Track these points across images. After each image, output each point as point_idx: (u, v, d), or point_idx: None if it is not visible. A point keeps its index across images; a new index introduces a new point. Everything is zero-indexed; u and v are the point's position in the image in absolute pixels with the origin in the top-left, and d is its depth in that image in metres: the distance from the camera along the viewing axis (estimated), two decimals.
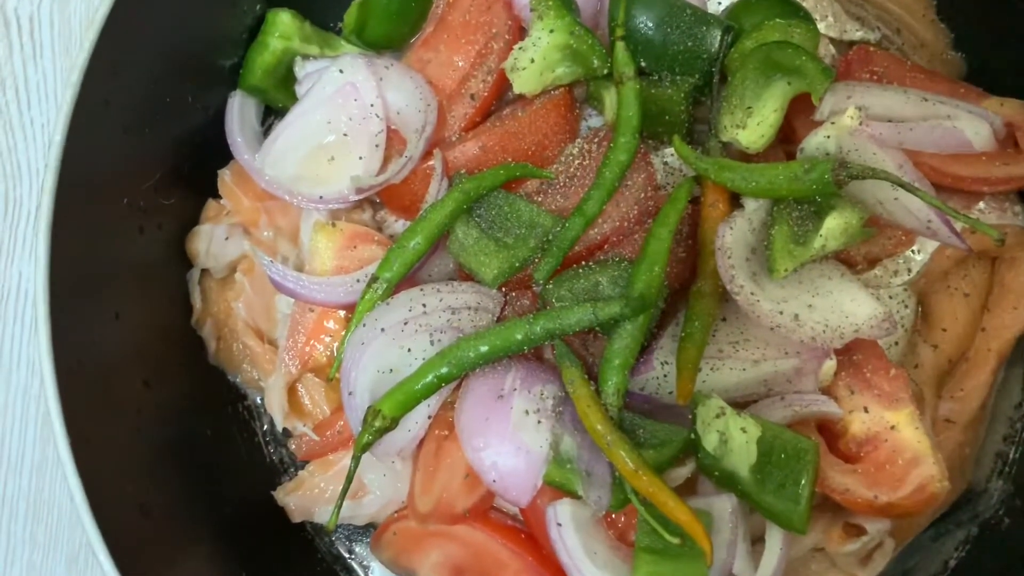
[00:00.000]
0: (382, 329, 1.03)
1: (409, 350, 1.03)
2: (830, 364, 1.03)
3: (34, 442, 1.30)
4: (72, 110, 0.88)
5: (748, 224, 1.04)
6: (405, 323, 1.03)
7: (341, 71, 1.10)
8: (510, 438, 0.99)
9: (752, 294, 1.00)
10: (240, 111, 1.16)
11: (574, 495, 0.98)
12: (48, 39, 1.39)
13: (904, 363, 1.11)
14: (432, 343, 1.04)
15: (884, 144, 1.03)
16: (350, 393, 1.01)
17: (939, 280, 1.13)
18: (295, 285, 1.06)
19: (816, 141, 1.04)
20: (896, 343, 1.12)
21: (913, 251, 1.10)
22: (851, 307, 1.02)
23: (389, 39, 1.19)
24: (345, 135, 1.10)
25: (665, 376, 1.02)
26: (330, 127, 1.10)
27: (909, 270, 1.10)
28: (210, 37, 1.12)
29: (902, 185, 0.96)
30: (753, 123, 1.06)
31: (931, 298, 1.13)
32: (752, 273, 1.02)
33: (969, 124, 1.05)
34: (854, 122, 1.02)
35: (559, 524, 0.98)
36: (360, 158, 1.10)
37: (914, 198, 0.98)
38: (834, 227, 1.00)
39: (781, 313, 1.00)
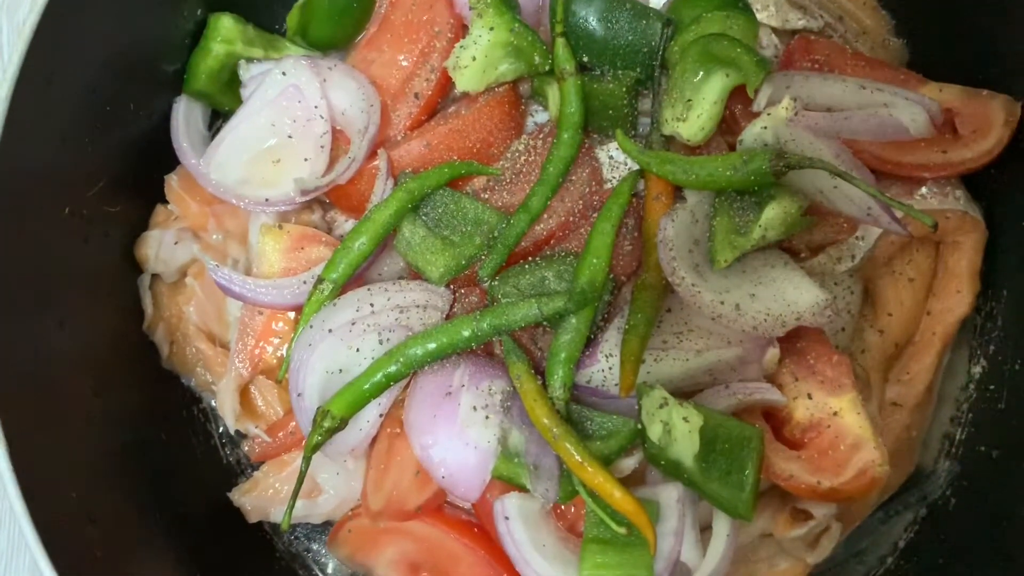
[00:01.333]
0: (330, 330, 1.03)
1: (358, 350, 1.04)
2: (773, 352, 1.05)
3: None
4: (4, 122, 0.87)
5: (690, 216, 1.05)
6: (353, 323, 1.04)
7: (284, 73, 1.11)
8: (458, 434, 1.00)
9: (693, 285, 1.01)
10: (185, 116, 1.16)
11: (523, 489, 1.00)
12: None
13: (851, 348, 1.12)
14: (381, 342, 1.05)
15: (821, 133, 1.04)
16: (299, 395, 1.02)
17: (884, 266, 1.14)
18: (241, 288, 1.07)
19: (754, 132, 1.05)
20: (843, 329, 1.13)
21: (856, 238, 1.11)
22: (793, 295, 1.03)
23: (333, 39, 1.19)
24: (290, 137, 1.10)
25: (611, 368, 1.03)
26: (274, 129, 1.11)
27: (853, 256, 1.11)
28: (151, 43, 1.12)
29: (838, 174, 0.98)
30: (693, 116, 1.07)
31: (877, 284, 1.14)
32: (695, 264, 1.03)
33: (906, 111, 1.06)
34: (789, 112, 1.03)
35: (506, 518, 0.99)
36: (305, 160, 1.11)
37: (852, 189, 1.00)
38: (773, 217, 1.01)
39: (723, 303, 1.01)
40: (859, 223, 1.08)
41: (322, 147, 1.11)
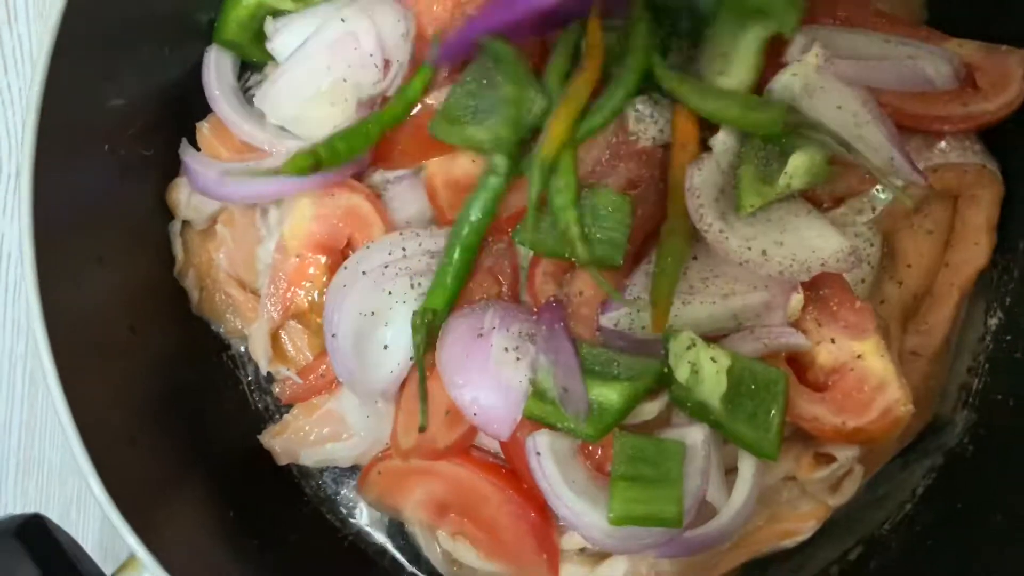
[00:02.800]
0: (363, 272, 1.05)
1: (390, 293, 1.05)
2: (797, 298, 1.06)
3: (22, 401, 1.32)
4: (50, 57, 0.89)
5: (716, 166, 1.07)
6: (386, 266, 1.06)
7: (343, 20, 1.12)
8: (490, 374, 1.02)
9: (721, 231, 1.03)
10: (216, 65, 1.17)
11: (553, 427, 1.01)
12: (23, 3, 1.40)
13: (871, 299, 1.14)
14: (412, 286, 1.06)
15: (849, 81, 1.06)
16: (333, 335, 1.04)
17: (903, 218, 1.16)
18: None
19: (783, 80, 1.07)
20: (863, 280, 1.14)
21: (877, 190, 1.13)
22: (818, 242, 1.05)
23: None
24: (344, 80, 1.11)
25: (638, 311, 1.05)
26: (330, 72, 1.11)
27: (873, 208, 1.13)
28: None
29: (845, 146, 1.02)
30: (733, 69, 1.08)
31: (895, 236, 1.16)
32: (721, 212, 1.05)
33: (931, 63, 1.08)
34: (819, 60, 1.05)
35: (538, 453, 1.01)
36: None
37: (876, 137, 1.02)
38: (799, 165, 1.03)
39: (749, 249, 1.03)
40: (880, 172, 1.11)
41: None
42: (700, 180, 1.05)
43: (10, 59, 1.39)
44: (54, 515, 1.16)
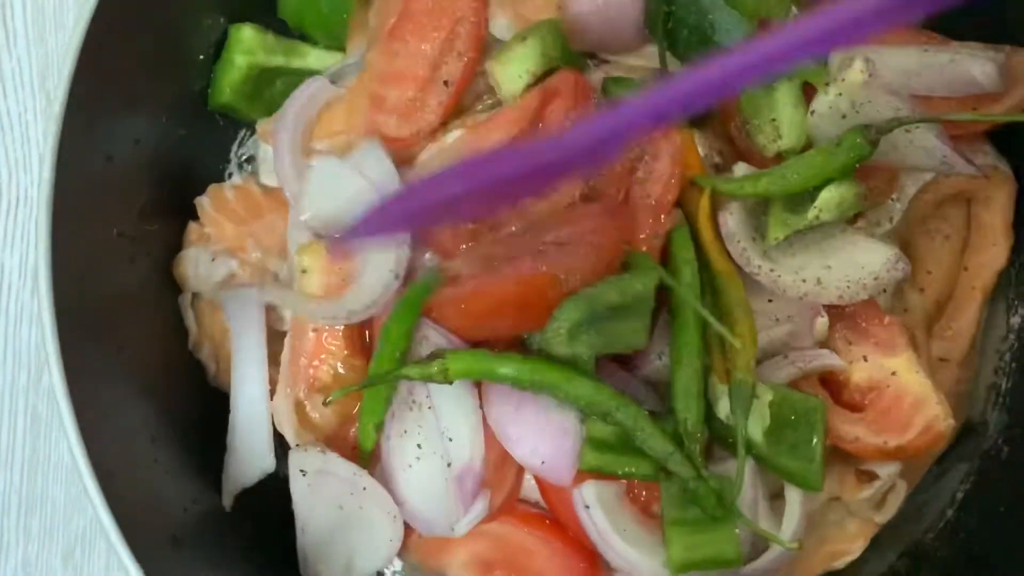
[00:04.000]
0: None
1: None
2: (822, 322, 1.06)
3: (23, 437, 1.28)
4: (58, 141, 0.86)
5: (745, 205, 1.06)
6: None
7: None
8: (545, 419, 0.99)
9: (772, 271, 1.03)
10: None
11: (613, 476, 1.00)
12: (21, 26, 1.34)
13: (895, 309, 1.14)
14: None
15: (895, 91, 1.04)
16: None
17: (919, 225, 1.16)
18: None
19: (827, 101, 1.05)
20: (884, 290, 1.14)
21: (892, 199, 1.13)
22: (864, 257, 1.04)
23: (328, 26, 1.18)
24: None
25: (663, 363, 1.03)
26: None
27: (891, 219, 1.13)
28: (177, 61, 1.11)
29: (932, 120, 1.01)
30: (784, 129, 1.07)
31: (913, 243, 1.16)
32: (763, 252, 1.04)
33: (974, 64, 1.07)
34: (864, 75, 1.03)
35: (587, 506, 0.99)
36: None
37: (928, 138, 1.01)
38: (828, 199, 1.01)
39: (804, 281, 1.02)
40: (898, 183, 1.11)
41: None
42: (735, 224, 1.04)
43: (9, 83, 1.34)
44: (57, 555, 1.14)
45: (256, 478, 1.07)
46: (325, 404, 1.05)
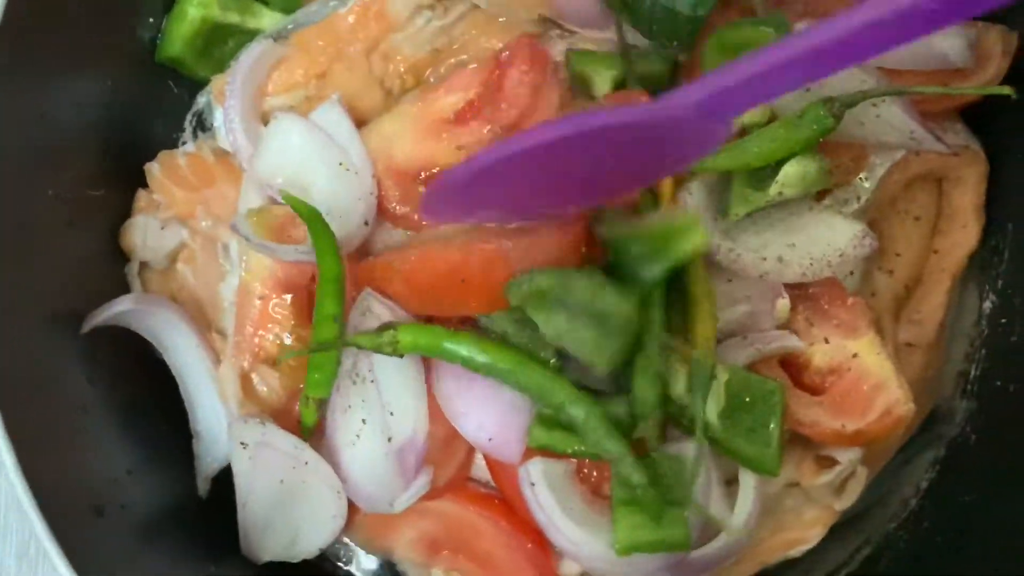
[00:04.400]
0: None
1: None
2: (783, 303, 1.03)
3: None
4: None
5: (704, 183, 1.03)
6: None
7: None
8: (494, 395, 0.97)
9: (731, 250, 1.00)
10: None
11: (563, 455, 0.97)
12: None
13: (862, 292, 1.11)
14: None
15: (862, 64, 1.01)
16: None
17: (888, 206, 1.13)
18: None
19: None
20: (851, 272, 1.11)
21: (861, 178, 1.10)
22: (829, 235, 1.02)
23: None
24: None
25: None
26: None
27: (859, 197, 1.09)
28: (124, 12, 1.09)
29: (898, 92, 0.99)
30: None
31: (882, 225, 1.13)
32: (724, 230, 1.01)
33: (943, 39, 1.05)
34: None
35: (532, 484, 0.96)
36: None
37: (895, 113, 0.99)
38: (791, 174, 0.98)
39: (764, 259, 1.00)
40: (867, 162, 1.07)
41: None
42: (694, 201, 1.01)
43: None
44: (11, 553, 1.11)
45: (226, 460, 1.05)
46: (276, 364, 1.03)
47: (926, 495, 1.12)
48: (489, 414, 0.97)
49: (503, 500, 1.04)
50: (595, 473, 1.01)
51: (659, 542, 0.93)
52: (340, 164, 1.04)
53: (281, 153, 1.05)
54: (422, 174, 1.06)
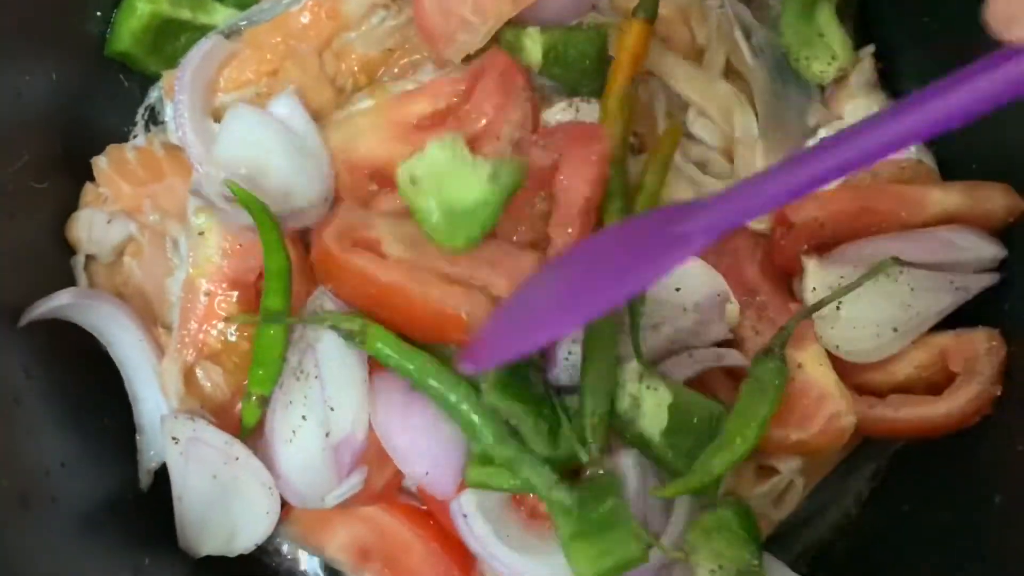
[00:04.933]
0: None
1: None
2: (732, 308, 1.03)
3: None
4: None
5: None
6: None
7: None
8: (433, 430, 0.97)
9: None
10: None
11: (500, 490, 0.97)
12: None
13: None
14: None
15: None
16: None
17: None
18: None
19: None
20: None
21: None
22: None
23: None
24: None
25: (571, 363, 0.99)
26: None
27: None
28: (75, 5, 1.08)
29: None
30: (838, 47, 1.12)
31: None
32: None
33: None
34: None
35: (464, 515, 0.96)
36: None
37: None
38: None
39: None
40: None
41: None
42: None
43: None
44: None
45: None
46: (231, 321, 1.03)
47: (866, 505, 1.13)
48: (428, 447, 0.97)
49: (437, 520, 1.04)
50: (530, 496, 1.00)
51: (619, 564, 0.92)
52: (298, 149, 1.05)
53: (239, 143, 1.05)
54: (375, 172, 1.06)
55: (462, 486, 0.97)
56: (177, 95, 1.07)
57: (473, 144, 1.01)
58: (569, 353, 0.98)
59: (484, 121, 1.03)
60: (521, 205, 1.00)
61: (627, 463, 0.97)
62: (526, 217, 1.02)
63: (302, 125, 1.07)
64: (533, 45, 1.06)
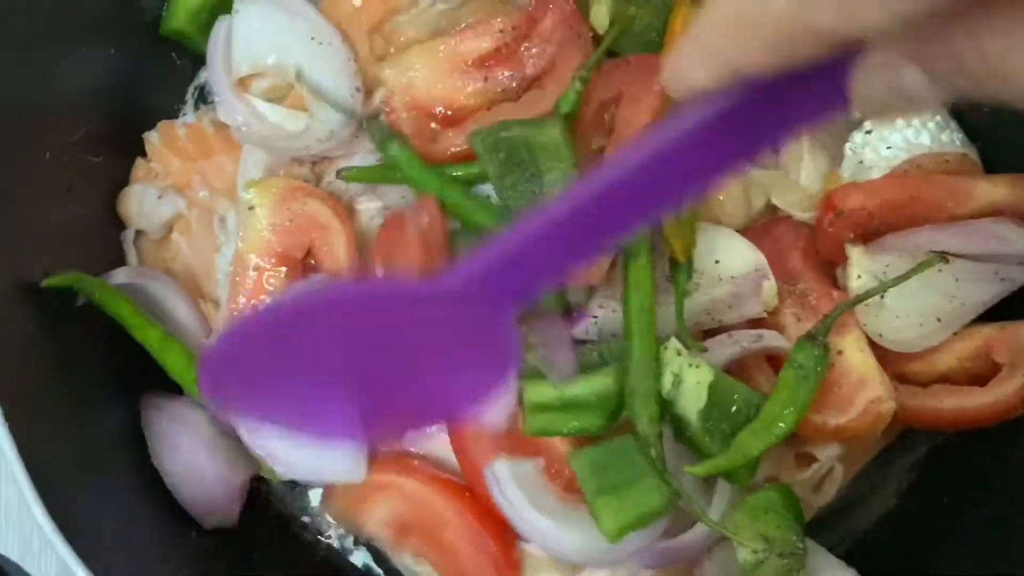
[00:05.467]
0: None
1: None
2: (769, 284, 1.03)
3: None
4: None
5: None
6: None
7: None
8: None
9: None
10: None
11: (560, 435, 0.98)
12: None
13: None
14: None
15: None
16: None
17: None
18: None
19: None
20: None
21: None
22: None
23: None
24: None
25: (608, 313, 1.01)
26: None
27: None
28: None
29: None
30: None
31: None
32: None
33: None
34: None
35: (499, 482, 0.97)
36: None
37: None
38: None
39: None
40: None
41: None
42: None
43: None
44: (14, 552, 1.13)
45: None
46: None
47: (906, 496, 1.13)
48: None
49: (474, 495, 1.04)
50: (567, 471, 1.01)
51: (643, 517, 0.94)
52: (312, 39, 1.07)
53: (250, 43, 1.08)
54: (438, 111, 1.08)
55: (479, 456, 0.98)
56: (215, 67, 1.10)
57: (532, 83, 1.04)
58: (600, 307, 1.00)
59: (543, 62, 1.05)
60: (579, 142, 1.01)
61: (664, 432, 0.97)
62: (584, 151, 1.02)
63: (301, 7, 1.10)
64: (600, 8, 1.06)
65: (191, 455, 1.03)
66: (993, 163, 1.11)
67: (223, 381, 0.63)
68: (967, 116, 1.12)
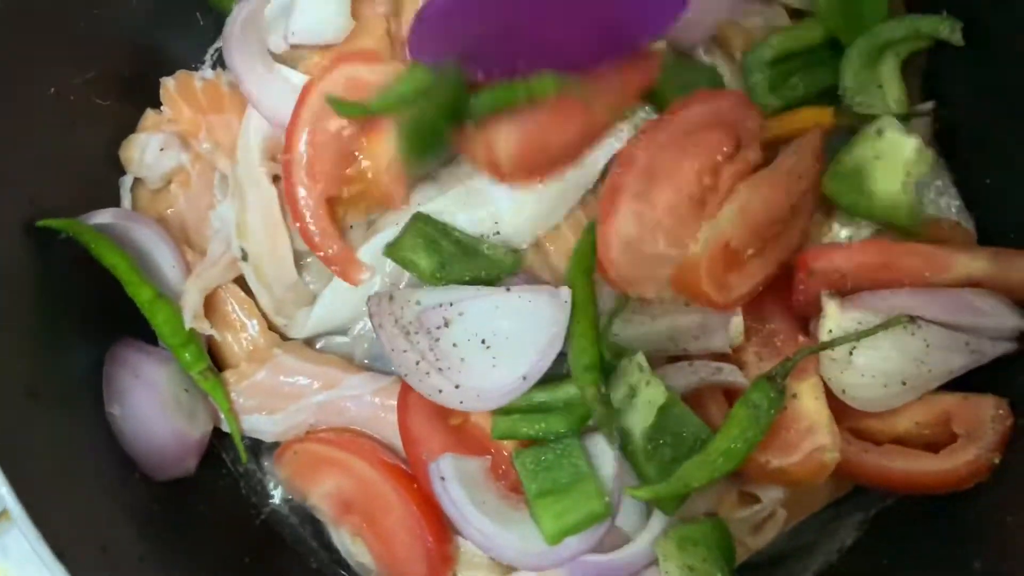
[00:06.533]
0: None
1: None
2: (737, 321, 1.03)
3: None
4: None
5: None
6: None
7: None
8: None
9: None
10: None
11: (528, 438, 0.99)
12: None
13: None
14: None
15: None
16: None
17: None
18: None
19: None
20: None
21: None
22: None
23: None
24: None
25: None
26: None
27: None
28: None
29: None
30: (892, 100, 1.11)
31: None
32: None
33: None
34: None
35: (442, 478, 0.99)
36: None
37: None
38: None
39: None
40: None
41: None
42: None
43: None
44: None
45: None
46: None
47: (848, 553, 1.12)
48: None
49: (421, 486, 1.05)
50: (512, 472, 1.02)
51: (582, 520, 0.95)
52: None
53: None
54: None
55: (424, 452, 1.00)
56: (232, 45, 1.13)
57: None
58: None
59: None
60: None
61: (603, 446, 0.98)
62: None
63: None
64: None
65: (145, 411, 1.05)
66: (989, 236, 1.10)
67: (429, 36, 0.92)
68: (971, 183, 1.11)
